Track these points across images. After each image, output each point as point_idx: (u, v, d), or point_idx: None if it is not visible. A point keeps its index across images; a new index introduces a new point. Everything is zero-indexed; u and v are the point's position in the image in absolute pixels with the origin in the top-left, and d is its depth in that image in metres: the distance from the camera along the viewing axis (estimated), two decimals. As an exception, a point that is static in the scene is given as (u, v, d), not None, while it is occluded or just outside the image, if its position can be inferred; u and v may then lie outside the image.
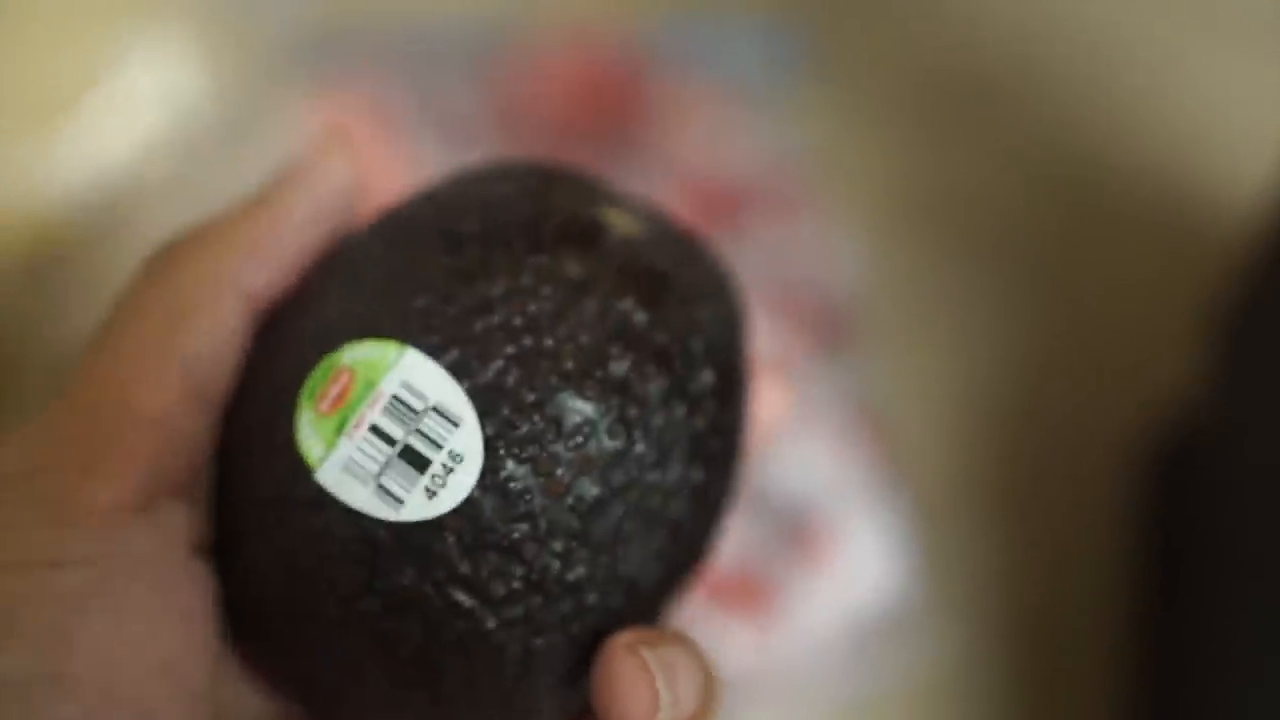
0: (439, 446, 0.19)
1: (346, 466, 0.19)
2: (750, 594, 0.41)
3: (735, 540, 0.42)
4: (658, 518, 0.20)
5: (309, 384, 0.19)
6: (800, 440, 0.43)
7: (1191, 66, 0.52)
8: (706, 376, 0.21)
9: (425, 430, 0.19)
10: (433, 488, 0.19)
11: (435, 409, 0.19)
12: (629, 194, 0.24)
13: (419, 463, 0.19)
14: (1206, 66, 0.52)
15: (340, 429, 0.19)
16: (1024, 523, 0.44)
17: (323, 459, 0.19)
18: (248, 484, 0.20)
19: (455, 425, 0.19)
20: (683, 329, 0.21)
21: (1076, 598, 0.43)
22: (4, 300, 0.44)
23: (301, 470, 0.19)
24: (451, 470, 0.19)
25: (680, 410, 0.21)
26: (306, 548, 0.19)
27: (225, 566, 0.20)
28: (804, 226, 0.47)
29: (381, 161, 0.47)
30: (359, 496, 0.19)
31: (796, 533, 0.42)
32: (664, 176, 0.48)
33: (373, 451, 0.19)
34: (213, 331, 0.20)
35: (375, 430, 0.19)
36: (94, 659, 0.17)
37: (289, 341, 0.20)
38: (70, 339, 0.44)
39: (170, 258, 0.20)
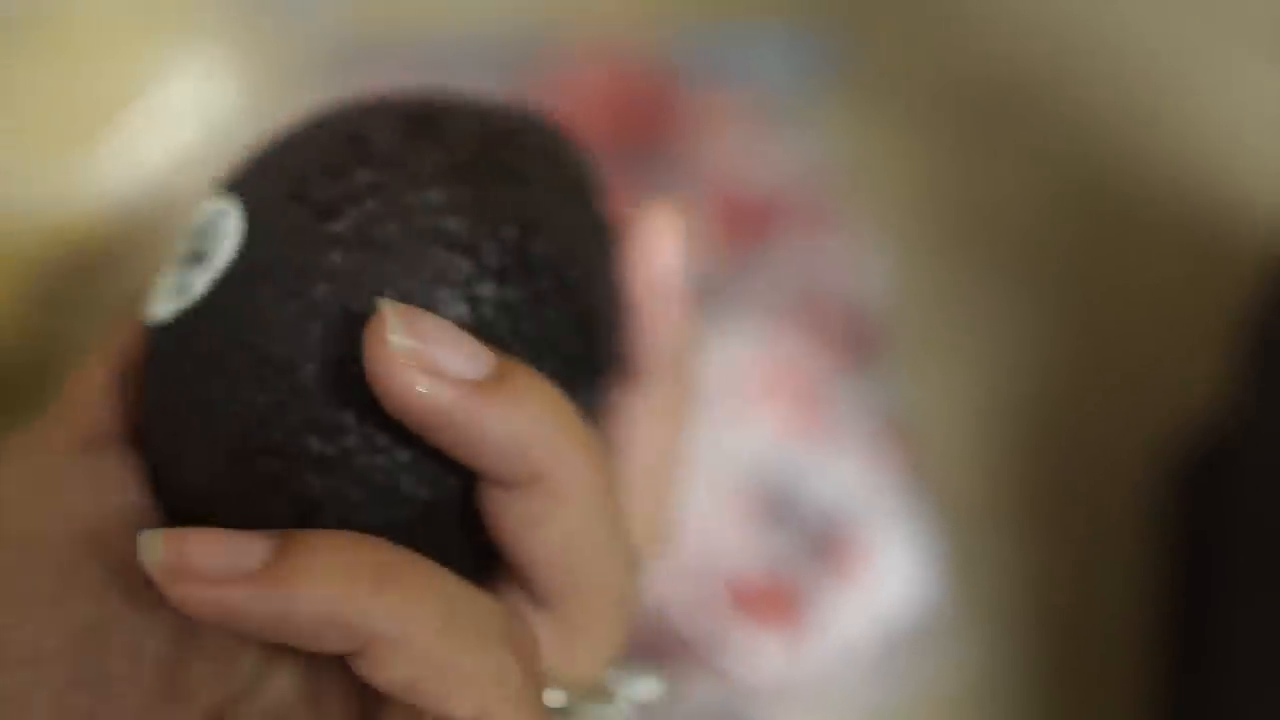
0: (217, 239, 0.21)
1: (167, 292, 0.22)
2: (780, 604, 0.41)
3: (765, 551, 0.42)
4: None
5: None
6: (829, 452, 0.44)
7: (1218, 74, 0.53)
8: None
9: (210, 233, 0.22)
10: (207, 267, 0.21)
11: (218, 215, 0.22)
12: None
13: (199, 258, 0.21)
14: (1233, 74, 0.53)
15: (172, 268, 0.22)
16: (1052, 531, 0.44)
17: (160, 297, 0.22)
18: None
19: (225, 218, 0.21)
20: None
21: (1104, 605, 0.43)
22: (51, 299, 0.45)
23: (150, 332, 0.22)
24: (221, 246, 0.21)
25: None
26: (165, 365, 0.21)
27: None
28: (832, 239, 0.48)
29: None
30: (164, 308, 0.21)
31: (826, 543, 0.42)
32: (693, 188, 0.48)
33: (178, 268, 0.22)
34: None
35: (179, 257, 0.22)
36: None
37: None
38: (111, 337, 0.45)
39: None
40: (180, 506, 0.21)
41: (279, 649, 0.21)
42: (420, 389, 0.18)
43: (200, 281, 0.21)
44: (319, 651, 0.19)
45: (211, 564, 0.18)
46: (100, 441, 0.22)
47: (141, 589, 0.20)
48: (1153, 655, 0.42)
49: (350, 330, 0.20)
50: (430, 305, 0.20)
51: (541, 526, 0.19)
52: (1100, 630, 0.43)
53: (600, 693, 0.21)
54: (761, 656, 0.41)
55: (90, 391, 0.22)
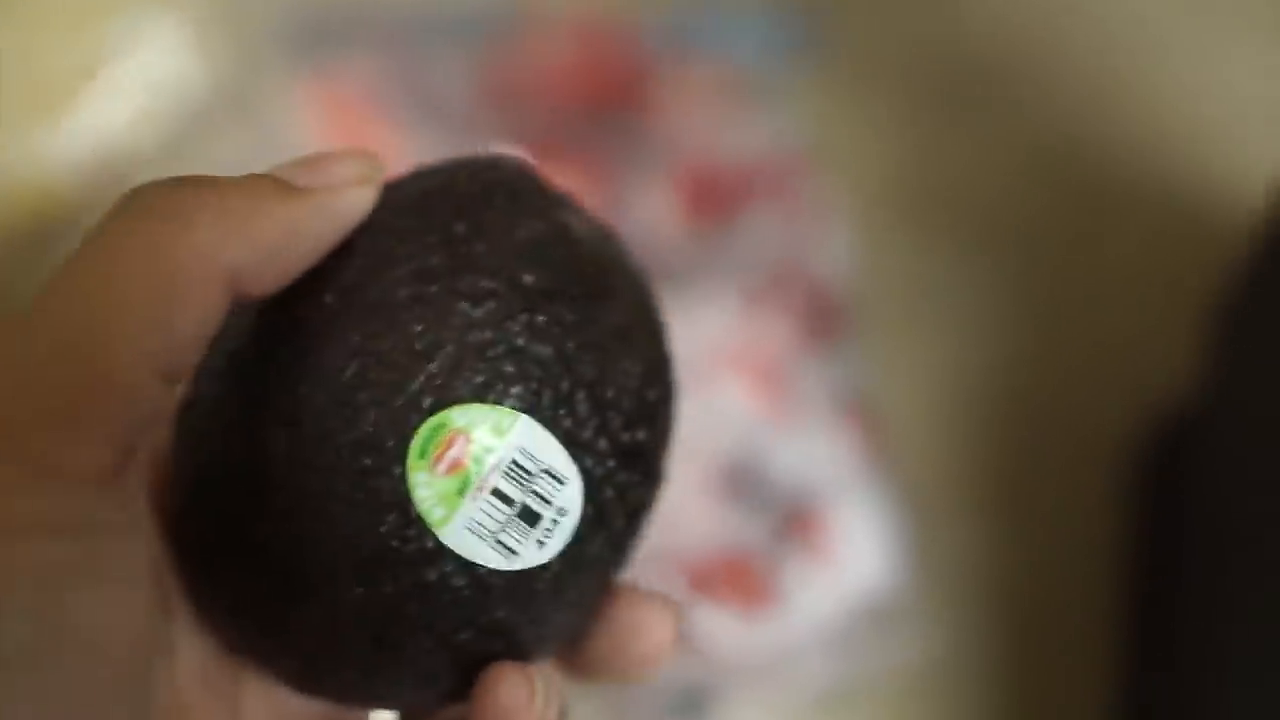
0: (549, 503, 0.21)
1: (469, 526, 0.21)
2: (743, 580, 0.42)
3: (728, 527, 0.42)
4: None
5: (417, 444, 0.21)
6: (793, 429, 0.44)
7: (1194, 53, 0.52)
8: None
9: (539, 490, 0.21)
10: (543, 539, 0.21)
11: (547, 471, 0.21)
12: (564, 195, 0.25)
13: (532, 519, 0.21)
14: (1209, 53, 0.52)
15: (462, 491, 0.21)
16: (1016, 511, 0.44)
17: (445, 519, 0.21)
18: (335, 534, 0.21)
19: (562, 484, 0.21)
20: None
21: (1068, 586, 0.44)
22: (11, 268, 0.45)
23: (413, 528, 0.21)
24: (558, 522, 0.21)
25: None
26: (415, 596, 0.21)
27: (293, 599, 0.21)
28: (800, 215, 0.47)
29: (376, 144, 0.47)
30: (479, 552, 0.21)
31: (790, 520, 0.42)
32: (659, 163, 0.48)
33: (494, 512, 0.21)
34: (199, 316, 0.20)
35: (497, 493, 0.21)
36: (83, 629, 0.18)
37: (345, 389, 0.21)
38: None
39: (172, 214, 0.20)
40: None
41: None
42: None
43: (528, 553, 0.21)
44: None
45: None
46: (128, 464, 0.20)
47: None
48: (1117, 635, 0.43)
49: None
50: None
51: None
52: (1064, 609, 0.43)
53: None
54: (724, 632, 0.41)
55: (133, 397, 0.19)
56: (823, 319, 0.46)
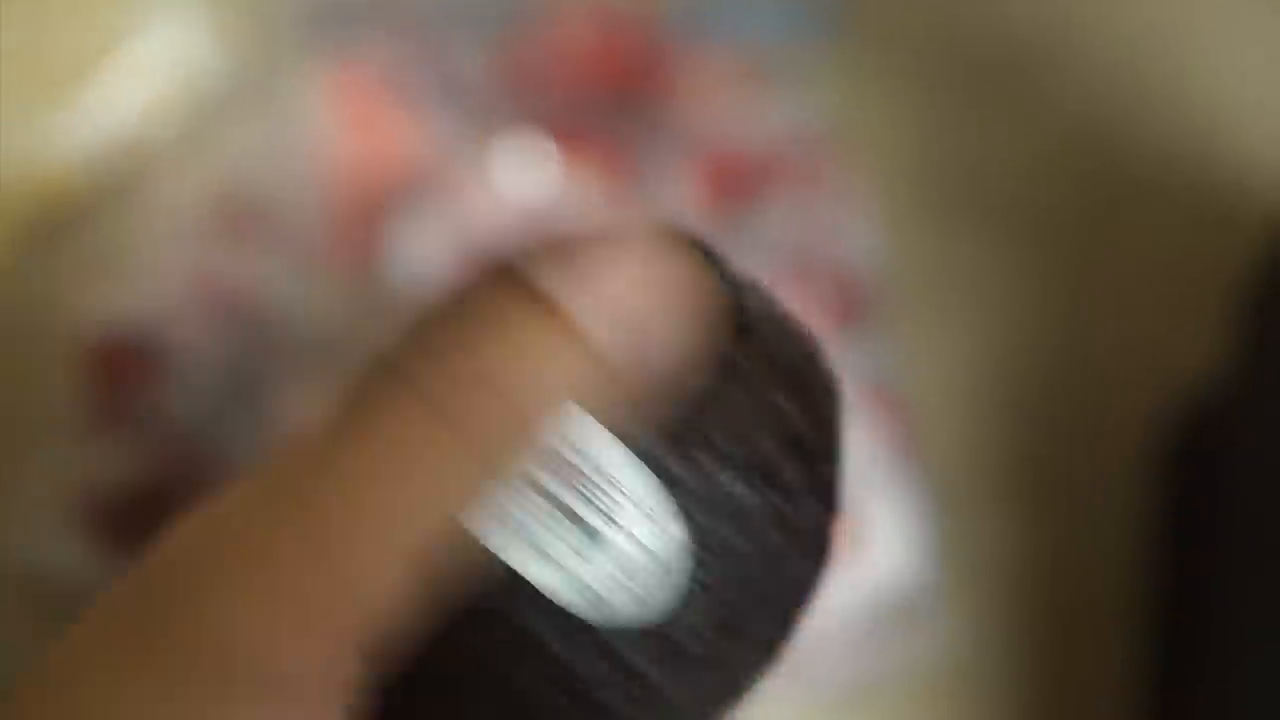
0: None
1: None
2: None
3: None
4: None
5: None
6: (819, 417, 0.43)
7: (1223, 37, 0.52)
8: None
9: None
10: None
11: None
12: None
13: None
14: (1244, 36, 0.52)
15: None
16: (1044, 502, 0.44)
17: None
18: None
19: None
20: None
21: (1096, 579, 0.43)
22: (22, 254, 0.45)
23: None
24: None
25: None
26: None
27: None
28: (824, 200, 0.47)
29: (394, 130, 0.46)
30: None
31: (815, 511, 0.42)
32: (680, 148, 0.47)
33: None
34: None
35: None
36: None
37: None
38: (85, 295, 0.45)
39: (475, 392, 0.17)
40: None
41: None
42: None
43: None
44: None
45: None
46: None
47: None
48: (1147, 629, 0.42)
49: None
50: None
51: None
52: (1091, 603, 0.43)
53: None
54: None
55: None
56: (848, 306, 0.45)
